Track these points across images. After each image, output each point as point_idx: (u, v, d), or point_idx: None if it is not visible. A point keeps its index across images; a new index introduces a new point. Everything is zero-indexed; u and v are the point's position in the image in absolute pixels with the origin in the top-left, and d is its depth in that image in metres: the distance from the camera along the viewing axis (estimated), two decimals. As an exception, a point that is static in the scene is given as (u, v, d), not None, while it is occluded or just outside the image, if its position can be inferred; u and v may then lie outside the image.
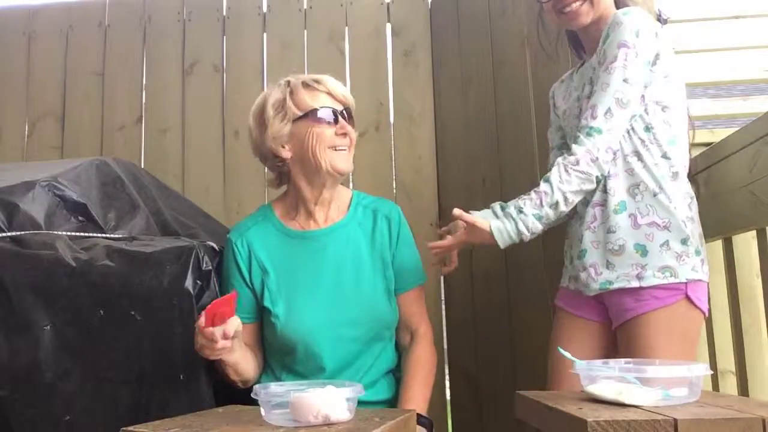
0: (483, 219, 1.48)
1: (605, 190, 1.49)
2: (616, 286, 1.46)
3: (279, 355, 1.57)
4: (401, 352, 1.68)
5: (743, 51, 3.14)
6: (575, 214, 1.58)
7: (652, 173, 1.47)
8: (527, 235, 1.45)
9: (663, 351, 1.40)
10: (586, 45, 1.63)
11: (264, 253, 1.58)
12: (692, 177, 1.63)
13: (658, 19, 2.56)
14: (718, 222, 1.54)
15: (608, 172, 1.48)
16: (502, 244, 1.46)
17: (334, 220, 1.62)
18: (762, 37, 3.10)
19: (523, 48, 2.20)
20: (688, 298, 1.43)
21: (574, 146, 1.46)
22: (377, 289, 1.59)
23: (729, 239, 1.56)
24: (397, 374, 1.66)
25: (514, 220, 1.44)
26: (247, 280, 1.57)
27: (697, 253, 1.45)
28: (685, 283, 1.43)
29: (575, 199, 1.46)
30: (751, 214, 1.39)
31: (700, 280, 1.45)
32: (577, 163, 1.44)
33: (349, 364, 1.55)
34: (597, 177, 1.45)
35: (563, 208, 1.45)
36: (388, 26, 2.60)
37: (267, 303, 1.55)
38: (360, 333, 1.55)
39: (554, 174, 1.44)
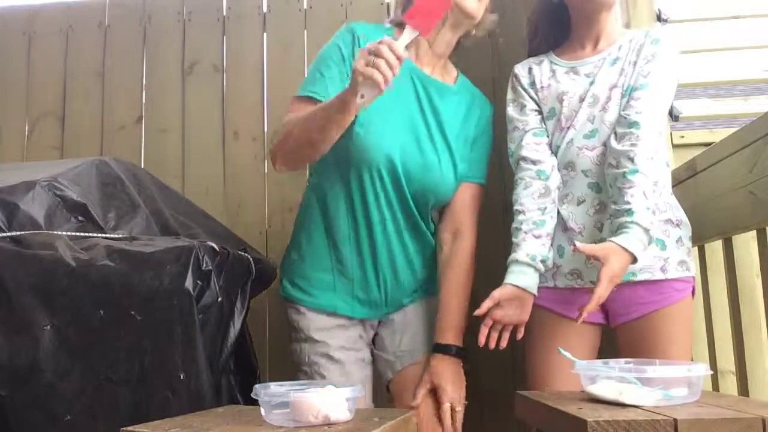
0: (601, 246, 1.37)
1: None
2: (640, 277, 1.46)
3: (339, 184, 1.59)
4: (438, 250, 1.68)
5: (743, 51, 3.14)
6: (581, 204, 1.53)
7: (665, 173, 1.52)
8: (651, 232, 1.38)
9: (680, 342, 1.46)
10: (587, 39, 1.61)
11: None
12: (692, 177, 1.64)
13: (658, 19, 2.56)
14: (718, 222, 1.54)
15: None
16: (639, 255, 1.36)
17: (441, 77, 1.66)
18: (762, 37, 3.10)
19: (522, 48, 2.19)
20: (693, 291, 1.51)
21: (640, 132, 1.43)
22: (451, 155, 1.63)
23: (729, 239, 1.56)
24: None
25: (634, 224, 1.36)
26: (347, 59, 1.57)
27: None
28: (693, 277, 1.50)
29: None
30: (751, 214, 1.39)
31: (694, 276, 1.53)
32: (656, 152, 1.43)
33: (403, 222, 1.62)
34: None
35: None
36: (388, 26, 2.60)
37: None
38: (421, 182, 1.59)
39: (640, 164, 1.40)
